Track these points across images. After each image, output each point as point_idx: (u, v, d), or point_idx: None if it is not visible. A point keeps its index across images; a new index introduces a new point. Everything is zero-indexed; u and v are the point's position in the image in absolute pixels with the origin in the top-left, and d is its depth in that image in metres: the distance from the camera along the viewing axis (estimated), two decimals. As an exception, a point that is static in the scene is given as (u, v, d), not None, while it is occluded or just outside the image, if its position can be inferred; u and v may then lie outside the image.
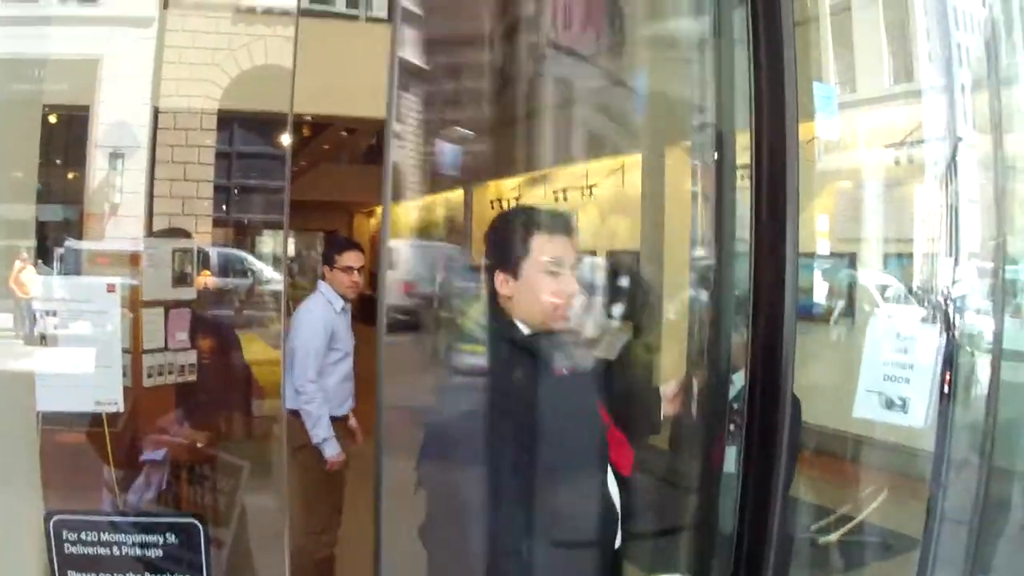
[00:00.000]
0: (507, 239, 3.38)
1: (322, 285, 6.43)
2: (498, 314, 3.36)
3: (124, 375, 3.57)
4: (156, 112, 5.42)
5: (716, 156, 3.29)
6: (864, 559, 4.43)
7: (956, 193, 4.27)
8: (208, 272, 5.23)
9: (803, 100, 4.14)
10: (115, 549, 2.35)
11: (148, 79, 5.05)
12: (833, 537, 4.12)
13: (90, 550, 2.36)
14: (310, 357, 6.14)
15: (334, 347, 6.32)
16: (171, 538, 2.36)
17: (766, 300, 3.01)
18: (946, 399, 3.68)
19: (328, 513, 6.22)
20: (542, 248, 3.28)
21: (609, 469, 3.27)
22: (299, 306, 6.51)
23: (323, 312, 6.32)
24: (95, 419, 3.48)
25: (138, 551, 2.35)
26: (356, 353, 6.45)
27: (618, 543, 3.30)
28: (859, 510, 4.38)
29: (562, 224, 3.40)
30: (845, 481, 4.51)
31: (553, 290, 3.25)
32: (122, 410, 3.27)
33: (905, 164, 4.78)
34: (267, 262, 10.47)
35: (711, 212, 3.29)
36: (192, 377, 4.39)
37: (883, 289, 4.47)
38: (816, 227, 4.99)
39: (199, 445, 4.40)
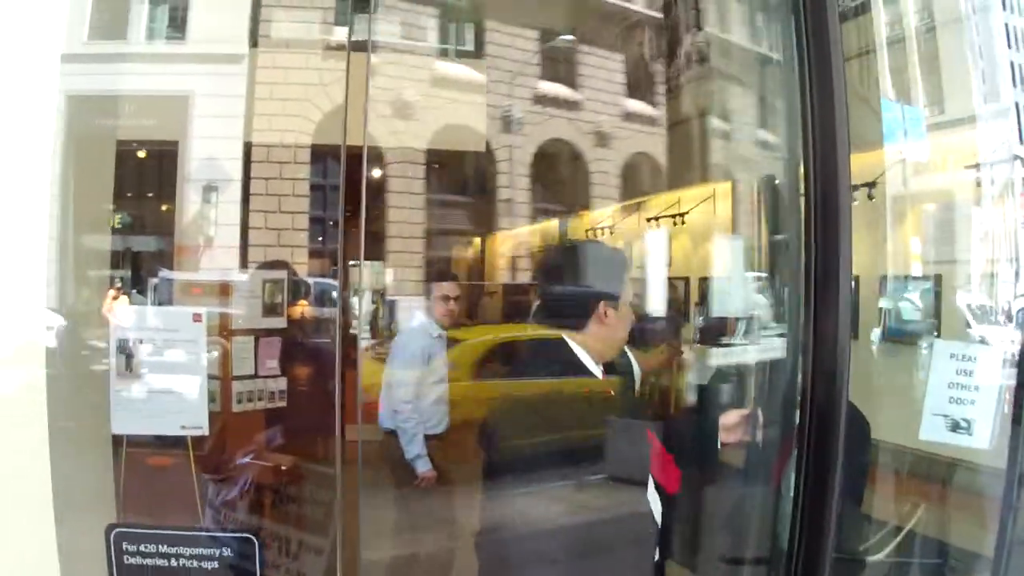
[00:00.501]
0: (615, 274, 3.54)
1: (419, 313, 6.66)
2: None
3: (212, 400, 3.68)
4: (249, 147, 5.58)
5: (776, 183, 3.35)
6: None
7: (1015, 213, 4.27)
8: (305, 302, 5.36)
9: (878, 123, 4.18)
10: (172, 561, 2.45)
11: (239, 114, 5.19)
12: (881, 556, 4.08)
13: (149, 562, 2.45)
14: (408, 380, 6.38)
15: (430, 371, 6.53)
16: (227, 552, 2.45)
17: (822, 323, 3.04)
18: (1014, 420, 3.67)
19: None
20: (630, 287, 3.50)
21: (651, 483, 3.32)
22: (399, 334, 6.75)
23: (421, 338, 6.56)
24: (181, 442, 3.62)
25: (195, 563, 2.45)
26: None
27: (656, 557, 3.35)
28: (915, 526, 4.35)
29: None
30: (918, 500, 4.47)
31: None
32: (207, 434, 3.36)
33: (987, 184, 4.75)
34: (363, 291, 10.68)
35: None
36: (282, 403, 4.50)
37: (968, 310, 4.45)
38: (907, 248, 4.97)
39: (284, 467, 4.51)
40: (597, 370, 3.52)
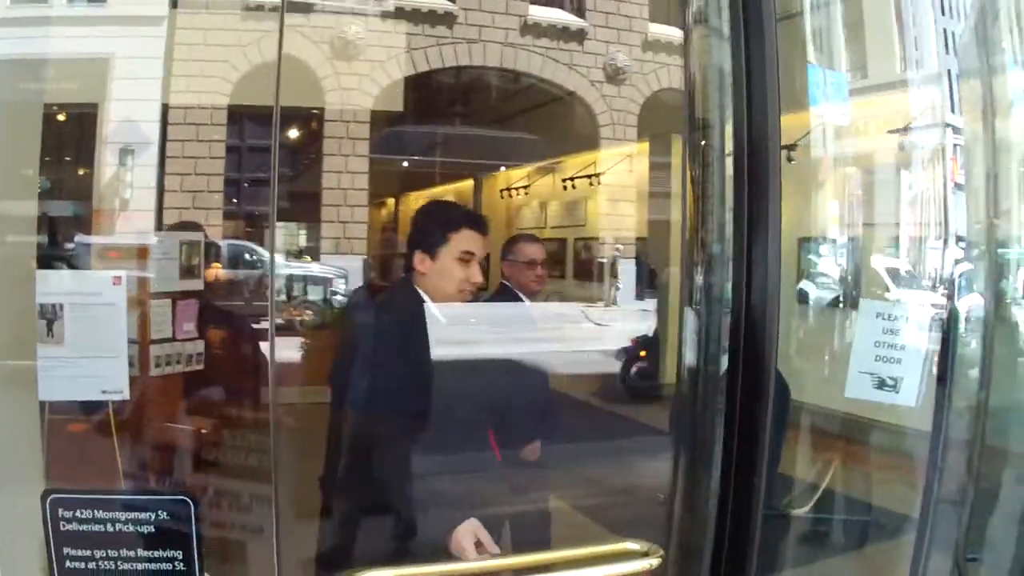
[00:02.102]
0: (430, 227, 4.01)
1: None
2: (408, 285, 4.00)
3: (131, 365, 3.66)
4: (166, 109, 5.51)
5: (703, 144, 3.38)
6: (859, 536, 4.50)
7: (946, 178, 4.35)
8: (219, 264, 5.31)
9: (805, 86, 4.24)
10: (109, 526, 2.44)
11: (158, 76, 5.13)
12: (804, 510, 4.19)
13: (85, 527, 2.44)
14: None
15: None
16: (162, 515, 2.45)
17: (751, 282, 3.08)
18: (939, 380, 3.76)
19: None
20: (459, 241, 3.88)
21: None
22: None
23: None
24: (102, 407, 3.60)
25: (131, 527, 2.44)
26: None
27: None
28: (836, 483, 4.46)
29: (480, 224, 4.05)
30: (831, 457, 4.58)
31: (462, 277, 3.87)
32: (128, 398, 3.34)
33: (908, 150, 4.83)
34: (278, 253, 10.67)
35: (700, 201, 3.38)
36: (200, 366, 4.47)
37: (890, 273, 4.53)
38: (826, 212, 5.04)
39: (203, 431, 4.50)
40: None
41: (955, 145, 4.42)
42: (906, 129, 4.70)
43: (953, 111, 4.52)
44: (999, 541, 4.09)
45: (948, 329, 3.94)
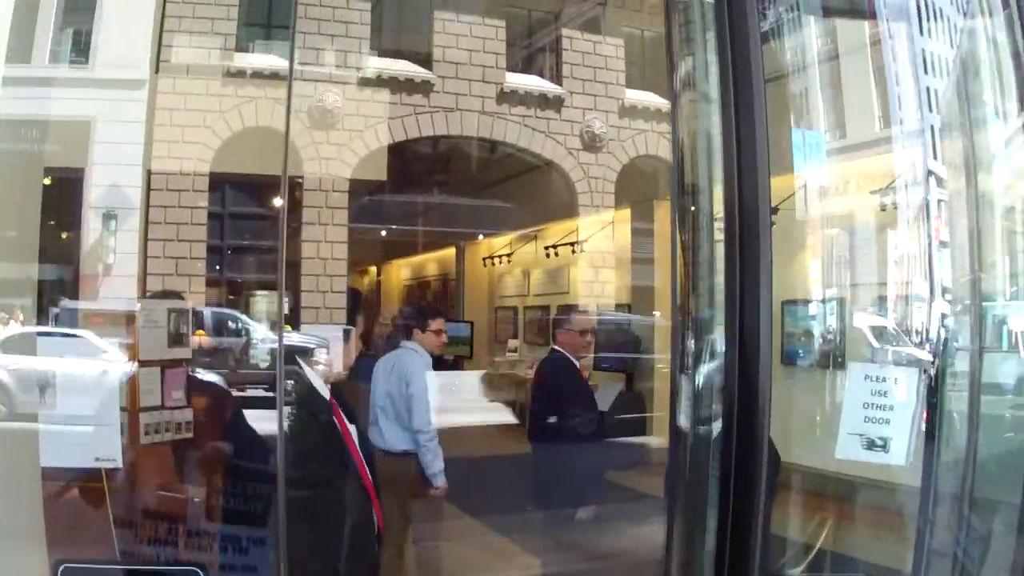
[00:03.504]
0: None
1: (410, 344, 6.73)
2: None
3: (121, 433, 3.61)
4: (148, 175, 5.51)
5: (693, 209, 3.36)
6: None
7: (931, 235, 4.34)
8: (203, 332, 5.27)
9: (788, 149, 4.24)
10: None
11: (140, 141, 5.13)
12: (798, 571, 4.14)
13: None
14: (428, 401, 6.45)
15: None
16: None
17: (744, 346, 3.05)
18: (928, 436, 3.73)
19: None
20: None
21: None
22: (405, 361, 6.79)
23: (423, 361, 6.67)
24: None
25: None
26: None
27: None
28: (830, 542, 4.42)
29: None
30: (824, 517, 4.54)
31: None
32: (120, 467, 3.29)
33: (890, 209, 4.83)
34: (261, 320, 10.62)
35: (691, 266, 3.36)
36: (189, 434, 4.40)
37: (875, 332, 4.51)
38: (808, 274, 5.03)
39: (197, 500, 4.43)
40: None
41: (939, 201, 4.42)
42: (889, 188, 4.70)
43: (935, 168, 4.53)
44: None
45: (936, 385, 3.92)
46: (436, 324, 6.50)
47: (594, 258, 11.62)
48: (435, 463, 6.10)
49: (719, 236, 3.22)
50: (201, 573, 2.41)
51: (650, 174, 11.57)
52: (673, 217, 3.47)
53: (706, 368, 3.26)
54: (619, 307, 11.24)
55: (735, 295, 3.09)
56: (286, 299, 11.74)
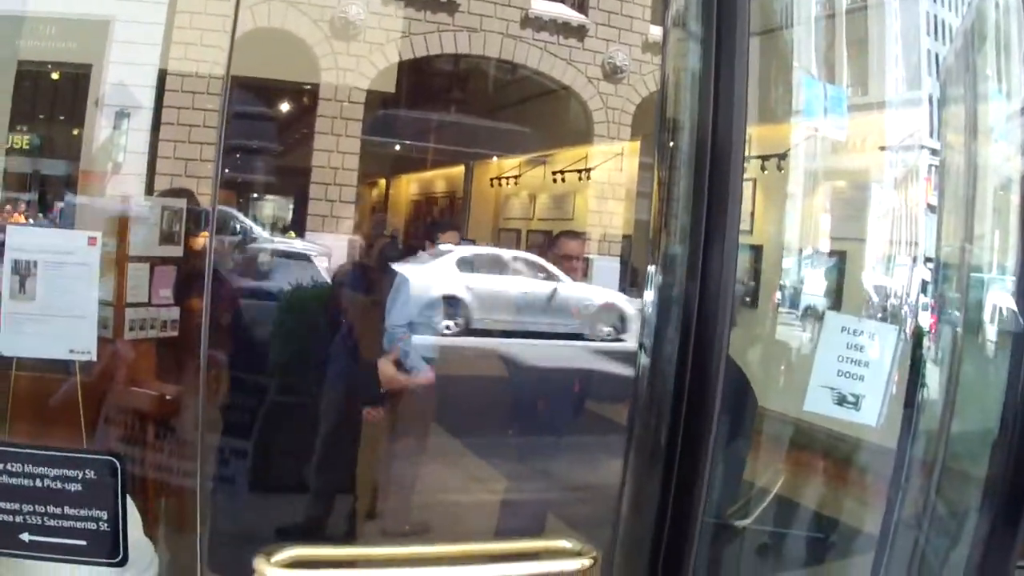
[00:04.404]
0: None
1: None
2: None
3: (105, 327, 3.67)
4: (163, 74, 5.54)
5: (672, 145, 3.37)
6: (812, 550, 4.48)
7: (920, 199, 4.36)
8: (206, 233, 5.32)
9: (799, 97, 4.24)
10: (38, 481, 2.43)
11: (157, 41, 5.15)
12: (748, 521, 4.15)
13: (14, 481, 2.43)
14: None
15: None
16: (90, 473, 2.44)
17: (705, 286, 3.08)
18: (904, 399, 3.75)
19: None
20: None
21: None
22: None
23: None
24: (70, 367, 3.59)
25: (59, 484, 2.43)
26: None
27: None
28: (794, 496, 4.44)
29: None
30: (781, 467, 4.54)
31: None
32: (95, 360, 3.31)
33: (897, 168, 4.81)
34: (261, 223, 10.74)
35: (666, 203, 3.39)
36: (174, 333, 4.43)
37: (873, 289, 4.48)
38: (814, 225, 4.97)
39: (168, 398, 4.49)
40: None
41: (931, 166, 4.41)
42: (888, 148, 4.69)
43: (932, 134, 4.52)
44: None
45: (915, 349, 3.94)
46: (448, 237, 6.67)
47: (603, 189, 11.64)
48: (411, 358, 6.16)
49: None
50: (118, 462, 2.45)
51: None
52: (654, 153, 3.49)
53: (671, 302, 3.29)
54: (625, 238, 11.30)
55: (700, 235, 3.11)
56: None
